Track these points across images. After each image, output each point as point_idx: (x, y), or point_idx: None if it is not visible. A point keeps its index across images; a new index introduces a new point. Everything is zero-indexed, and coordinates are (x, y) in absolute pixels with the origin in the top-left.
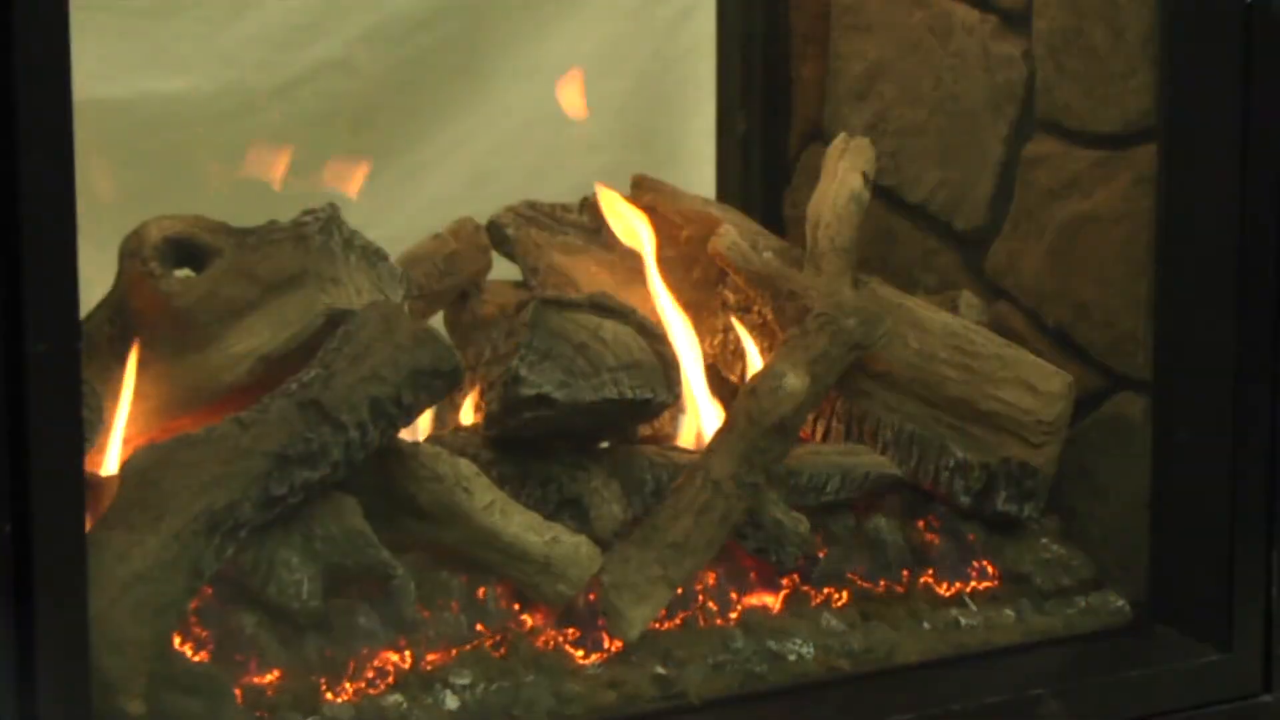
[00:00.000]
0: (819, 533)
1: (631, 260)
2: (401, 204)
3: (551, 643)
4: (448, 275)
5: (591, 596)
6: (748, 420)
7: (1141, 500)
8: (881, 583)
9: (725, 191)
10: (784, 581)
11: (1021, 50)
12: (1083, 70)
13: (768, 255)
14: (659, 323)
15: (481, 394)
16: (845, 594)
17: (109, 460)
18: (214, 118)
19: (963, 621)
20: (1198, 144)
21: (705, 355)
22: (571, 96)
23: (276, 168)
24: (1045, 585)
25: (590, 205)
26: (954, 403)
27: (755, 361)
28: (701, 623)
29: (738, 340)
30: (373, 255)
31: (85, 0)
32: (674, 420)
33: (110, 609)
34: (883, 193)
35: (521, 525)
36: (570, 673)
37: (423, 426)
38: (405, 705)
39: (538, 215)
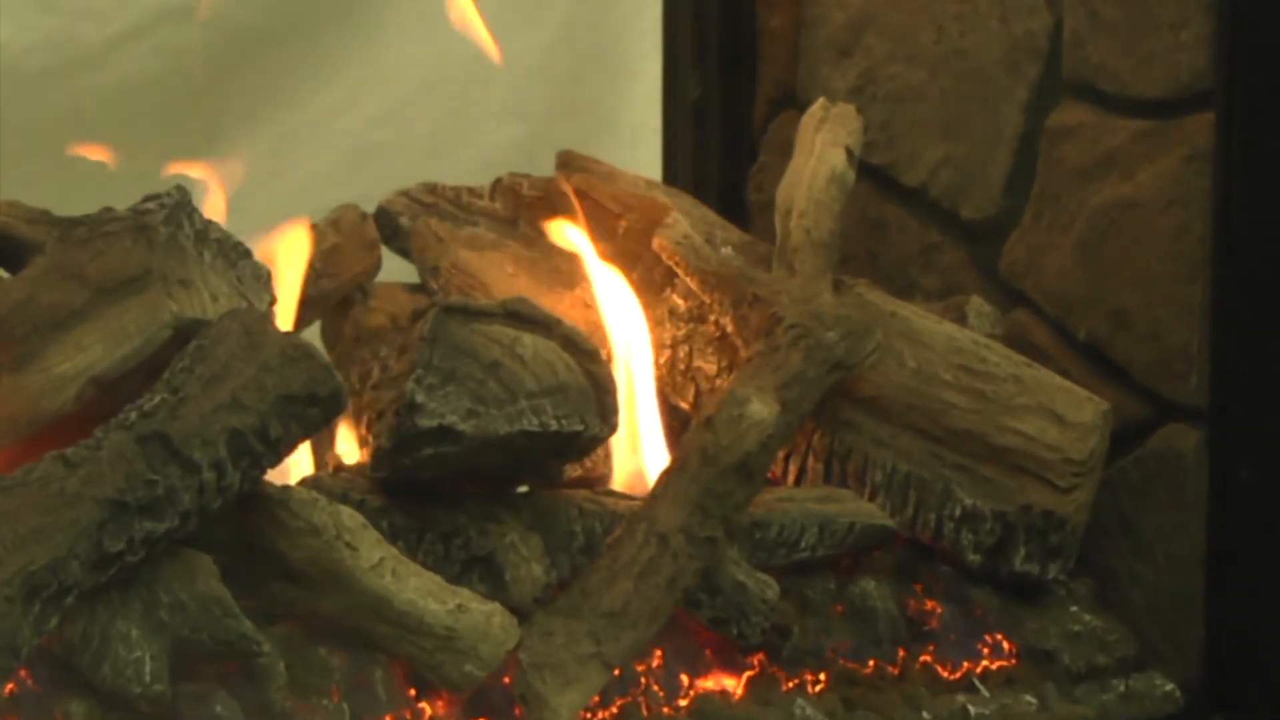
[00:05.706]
0: (792, 599)
1: (557, 258)
2: (268, 186)
3: None
4: (326, 276)
5: (506, 679)
6: (702, 458)
7: (1195, 558)
8: (870, 662)
9: (674, 172)
10: (748, 660)
11: None
12: (1122, 20)
13: (727, 251)
14: (592, 333)
15: (368, 425)
16: (824, 676)
17: None
18: (33, 76)
19: (972, 710)
20: (1263, 112)
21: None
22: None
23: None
24: (1075, 665)
25: (504, 189)
26: (961, 436)
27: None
28: (645, 711)
29: (689, 358)
30: (232, 251)
31: None
32: (609, 458)
33: None
34: (871, 173)
35: (419, 590)
36: None
37: (294, 466)
38: None
39: (438, 201)
